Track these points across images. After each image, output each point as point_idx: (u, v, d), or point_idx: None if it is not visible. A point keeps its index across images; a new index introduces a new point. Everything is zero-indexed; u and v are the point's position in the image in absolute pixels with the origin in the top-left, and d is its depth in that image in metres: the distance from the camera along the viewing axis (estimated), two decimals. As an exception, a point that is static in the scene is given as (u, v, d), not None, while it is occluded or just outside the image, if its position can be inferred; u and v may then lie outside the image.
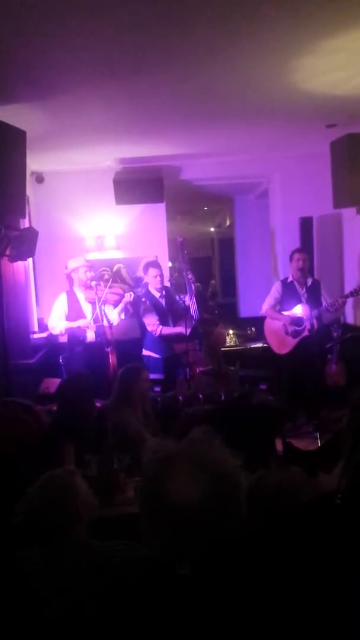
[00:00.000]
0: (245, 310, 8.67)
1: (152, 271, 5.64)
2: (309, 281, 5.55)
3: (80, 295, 5.38)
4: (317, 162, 6.12)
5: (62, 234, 6.59)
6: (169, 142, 5.71)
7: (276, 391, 5.33)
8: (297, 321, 5.43)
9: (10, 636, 1.74)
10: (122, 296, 5.47)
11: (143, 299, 5.55)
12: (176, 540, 1.24)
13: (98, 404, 3.68)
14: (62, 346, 5.96)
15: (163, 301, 5.67)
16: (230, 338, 6.86)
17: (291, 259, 5.58)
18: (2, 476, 2.66)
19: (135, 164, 6.42)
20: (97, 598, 1.68)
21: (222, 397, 4.32)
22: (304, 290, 5.49)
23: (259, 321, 6.20)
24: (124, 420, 3.52)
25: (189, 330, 5.25)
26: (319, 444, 4.77)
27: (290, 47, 3.29)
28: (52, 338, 6.07)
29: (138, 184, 6.30)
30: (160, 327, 5.49)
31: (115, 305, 5.48)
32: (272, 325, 5.67)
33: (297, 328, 5.43)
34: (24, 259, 4.76)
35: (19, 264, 5.11)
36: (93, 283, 5.30)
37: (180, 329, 5.34)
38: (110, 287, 5.50)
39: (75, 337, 5.36)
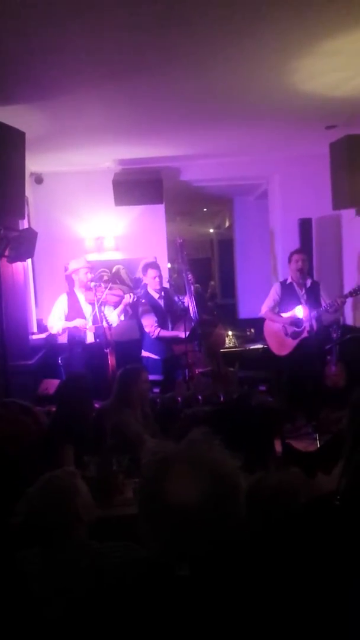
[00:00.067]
0: (244, 311, 8.67)
1: (151, 272, 5.64)
2: (308, 282, 5.55)
3: (81, 296, 5.40)
4: (317, 163, 6.12)
5: (61, 235, 6.59)
6: (169, 143, 5.71)
7: (275, 392, 5.33)
8: (296, 323, 5.42)
9: (10, 636, 1.74)
10: (122, 297, 5.47)
11: (142, 300, 5.55)
12: (175, 541, 1.23)
13: (97, 405, 3.68)
14: (61, 347, 5.96)
15: (162, 302, 5.67)
16: (230, 339, 6.85)
17: (290, 260, 5.58)
18: (1, 477, 2.66)
19: (134, 165, 6.42)
20: (97, 599, 1.68)
21: (221, 398, 4.31)
22: (303, 291, 5.49)
23: (258, 322, 6.20)
24: (123, 422, 3.51)
25: (187, 332, 5.25)
26: (318, 445, 4.77)
27: (289, 48, 3.29)
28: (51, 339, 6.07)
29: (137, 185, 6.30)
30: (158, 329, 5.50)
31: (116, 306, 5.49)
32: (272, 327, 5.67)
33: (296, 329, 5.43)
34: (23, 259, 4.75)
35: (18, 264, 5.11)
36: (92, 284, 5.31)
37: (178, 333, 5.34)
38: (110, 289, 5.50)
39: (75, 338, 5.36)
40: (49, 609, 1.77)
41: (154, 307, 5.59)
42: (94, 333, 5.32)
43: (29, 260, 5.80)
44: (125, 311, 5.54)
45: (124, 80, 3.67)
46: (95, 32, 2.87)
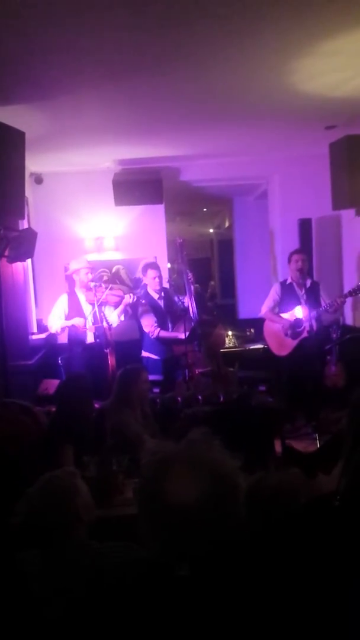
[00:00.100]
0: (244, 311, 8.67)
1: (151, 273, 5.64)
2: (308, 282, 5.55)
3: (81, 297, 5.41)
4: (316, 163, 6.12)
5: (61, 235, 6.59)
6: (168, 143, 5.71)
7: (275, 392, 5.32)
8: (296, 325, 5.42)
9: (11, 637, 1.74)
10: (122, 298, 5.48)
11: (142, 301, 5.55)
12: (175, 541, 1.23)
13: (97, 405, 3.68)
14: (61, 347, 5.96)
15: (162, 303, 5.68)
16: (230, 339, 6.85)
17: (289, 260, 5.58)
18: (1, 477, 2.66)
19: (134, 165, 6.42)
20: (97, 599, 1.68)
21: (221, 399, 4.31)
22: (303, 291, 5.49)
23: (258, 322, 6.20)
24: (123, 422, 3.51)
25: (187, 332, 5.25)
26: (318, 445, 4.77)
27: (289, 48, 3.29)
28: (51, 339, 6.07)
29: (137, 185, 6.30)
30: (158, 329, 5.50)
31: (116, 306, 5.49)
32: (272, 327, 5.67)
33: (297, 329, 5.43)
34: (22, 260, 4.75)
35: (18, 265, 5.11)
36: (92, 284, 5.32)
37: (177, 334, 5.34)
38: (110, 289, 5.50)
39: (75, 338, 5.37)
40: (49, 609, 1.77)
41: (153, 308, 5.59)
42: (94, 333, 5.33)
43: (29, 261, 5.80)
44: (125, 311, 5.54)
45: (123, 80, 3.67)
46: (95, 32, 2.87)
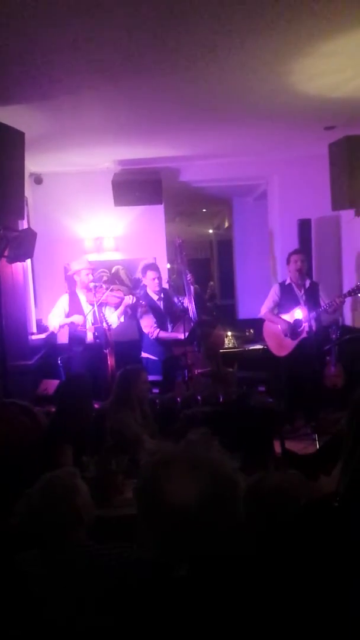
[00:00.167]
0: (243, 312, 8.67)
1: (150, 274, 5.65)
2: (307, 283, 5.55)
3: (82, 297, 5.44)
4: (316, 164, 6.12)
5: (60, 235, 6.59)
6: (168, 143, 5.71)
7: (274, 393, 5.33)
8: (295, 324, 5.42)
9: (11, 637, 1.74)
10: (123, 299, 5.49)
11: (141, 302, 5.56)
12: (174, 541, 1.23)
13: (96, 406, 3.68)
14: (61, 347, 5.96)
15: (161, 304, 5.68)
16: (229, 340, 6.85)
17: (288, 261, 5.58)
18: (0, 477, 2.66)
19: (133, 165, 6.42)
20: (96, 600, 1.68)
21: (221, 399, 4.32)
22: (302, 292, 5.49)
23: (257, 323, 6.21)
24: (122, 422, 3.52)
25: (187, 333, 5.26)
26: (317, 446, 4.77)
27: (288, 49, 3.29)
28: (50, 339, 6.07)
29: (137, 186, 6.30)
30: (157, 330, 5.50)
31: (116, 307, 5.50)
32: (271, 327, 5.67)
33: (297, 329, 5.43)
34: (22, 260, 4.76)
35: (18, 265, 5.11)
36: (92, 285, 5.33)
37: (177, 335, 5.35)
38: (111, 290, 5.52)
39: (76, 337, 5.38)
40: (49, 610, 1.77)
41: (153, 309, 5.60)
42: (94, 333, 5.33)
43: (29, 261, 5.80)
44: (124, 312, 5.55)
45: (123, 80, 3.67)
46: (95, 32, 2.87)
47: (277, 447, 4.15)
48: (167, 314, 5.66)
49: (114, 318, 5.43)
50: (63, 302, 5.42)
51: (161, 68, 3.47)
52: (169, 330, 5.59)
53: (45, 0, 2.49)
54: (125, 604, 1.32)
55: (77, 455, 2.98)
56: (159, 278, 5.68)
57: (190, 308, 5.54)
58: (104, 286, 5.53)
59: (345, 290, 5.60)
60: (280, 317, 5.55)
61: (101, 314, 5.32)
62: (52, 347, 6.08)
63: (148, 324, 5.53)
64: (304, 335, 5.36)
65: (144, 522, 1.30)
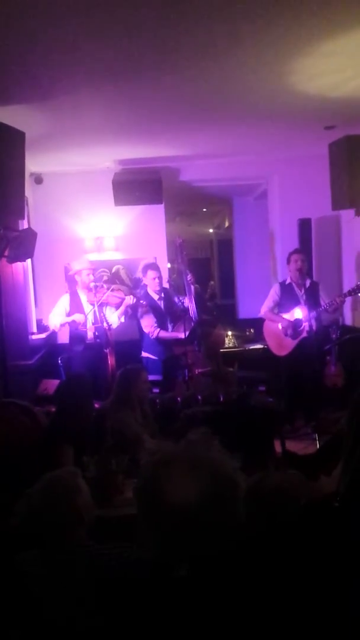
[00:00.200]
0: (244, 311, 8.67)
1: (151, 273, 5.65)
2: (307, 283, 5.55)
3: (83, 297, 5.45)
4: (316, 163, 6.12)
5: (60, 235, 6.59)
6: (168, 143, 5.71)
7: (275, 393, 5.33)
8: (295, 324, 5.42)
9: (10, 637, 1.74)
10: (124, 299, 5.49)
11: (142, 301, 5.56)
12: (174, 541, 1.23)
13: (97, 405, 3.68)
14: (61, 347, 5.96)
15: (162, 303, 5.68)
16: (229, 339, 6.85)
17: (289, 260, 5.58)
18: (0, 477, 2.66)
19: (134, 165, 6.42)
20: (96, 600, 1.68)
21: (221, 399, 4.32)
22: (303, 291, 5.49)
23: (257, 322, 6.20)
24: (122, 422, 3.51)
25: (187, 333, 5.25)
26: (318, 446, 4.77)
27: (288, 49, 3.29)
28: (50, 339, 6.07)
29: (137, 185, 6.30)
30: (158, 329, 5.50)
31: (117, 307, 5.50)
32: (271, 327, 5.67)
33: (298, 329, 5.43)
34: (22, 260, 4.76)
35: (18, 265, 5.11)
36: (92, 285, 5.34)
37: (177, 334, 5.35)
38: (112, 290, 5.52)
39: (76, 335, 5.38)
40: (49, 609, 1.77)
41: (153, 308, 5.60)
42: (94, 333, 5.33)
43: (29, 261, 5.80)
44: (125, 312, 5.55)
45: (123, 80, 3.67)
46: (96, 32, 2.87)
47: (278, 447, 4.15)
48: (168, 314, 5.66)
49: (114, 318, 5.44)
50: (64, 302, 5.44)
51: (161, 68, 3.47)
52: (169, 329, 5.59)
53: (46, 0, 2.49)
54: (125, 604, 1.32)
55: (77, 455, 2.98)
56: (160, 277, 5.69)
57: (190, 308, 5.54)
58: (104, 286, 5.54)
59: (346, 289, 5.60)
60: (281, 316, 5.55)
61: (101, 314, 5.33)
62: (52, 347, 6.08)
63: (148, 324, 5.54)
64: (304, 334, 5.36)
65: (144, 522, 1.30)
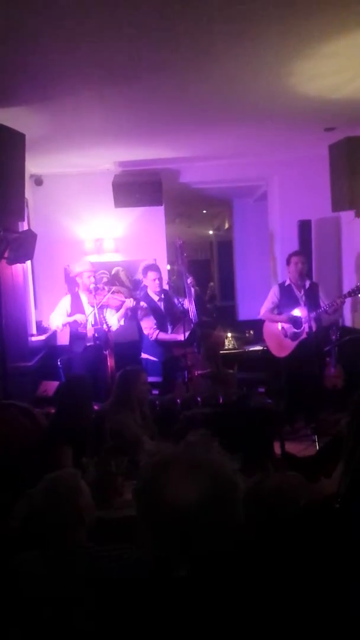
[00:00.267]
0: (243, 313, 8.68)
1: (151, 274, 5.66)
2: (307, 284, 5.55)
3: (84, 299, 5.46)
4: (316, 165, 6.13)
5: (60, 236, 6.59)
6: (168, 145, 5.72)
7: (274, 394, 5.33)
8: (294, 320, 5.41)
9: (10, 637, 1.74)
10: (124, 302, 5.50)
11: (141, 303, 5.56)
12: (173, 543, 1.23)
13: (96, 407, 3.68)
14: (61, 349, 5.96)
15: (162, 305, 5.69)
16: (229, 341, 6.86)
17: (289, 262, 5.58)
18: (0, 479, 2.66)
19: (134, 167, 6.43)
20: (95, 601, 1.68)
21: (220, 400, 4.32)
22: (302, 293, 5.49)
23: (257, 324, 6.21)
24: (122, 423, 3.51)
25: (186, 334, 5.26)
26: (317, 447, 4.76)
27: (289, 50, 3.30)
28: (50, 340, 6.07)
29: (137, 187, 6.31)
30: (157, 331, 5.50)
31: (117, 310, 5.51)
32: (271, 328, 5.67)
33: (295, 330, 5.43)
34: (22, 261, 4.76)
35: (18, 266, 5.11)
36: (92, 286, 5.35)
37: (177, 336, 5.35)
38: (113, 292, 5.54)
39: (77, 335, 5.39)
40: (48, 611, 1.77)
41: (153, 310, 5.60)
42: (94, 335, 5.34)
43: (29, 262, 5.80)
44: (125, 315, 5.56)
45: (123, 82, 3.67)
46: (96, 34, 2.87)
47: (277, 449, 4.15)
48: (167, 315, 5.66)
49: (114, 320, 5.45)
50: (65, 303, 5.47)
51: (161, 69, 3.47)
52: (169, 331, 5.59)
53: (46, 2, 2.49)
54: (125, 604, 1.32)
55: (76, 456, 2.98)
56: (160, 279, 5.69)
57: (190, 309, 5.55)
58: (105, 288, 5.56)
59: (345, 290, 5.60)
60: (280, 318, 5.56)
61: (101, 316, 5.33)
62: (51, 348, 6.08)
63: (148, 325, 5.54)
64: (304, 336, 5.36)
65: (143, 523, 1.30)
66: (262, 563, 1.49)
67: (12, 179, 3.96)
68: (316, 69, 3.61)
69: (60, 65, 3.28)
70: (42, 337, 6.00)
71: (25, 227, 5.25)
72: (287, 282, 5.63)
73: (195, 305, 5.62)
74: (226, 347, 6.58)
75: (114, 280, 6.70)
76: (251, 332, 7.02)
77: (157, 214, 6.80)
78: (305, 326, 5.33)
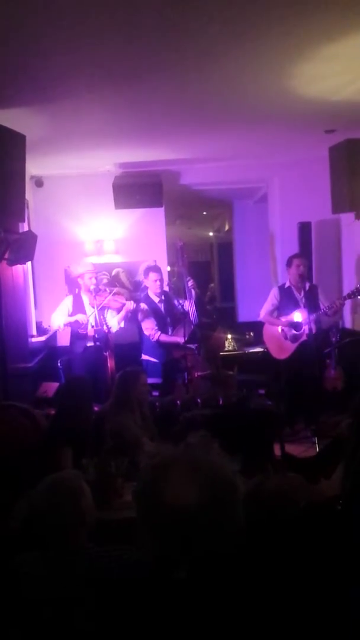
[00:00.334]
0: (243, 314, 8.67)
1: (153, 275, 5.66)
2: (307, 286, 5.55)
3: (85, 299, 5.48)
4: (316, 167, 6.13)
5: (61, 238, 6.59)
6: (169, 146, 5.72)
7: (274, 396, 5.33)
8: (294, 325, 5.42)
9: (10, 637, 1.74)
10: (124, 305, 5.50)
11: (142, 304, 5.57)
12: (173, 544, 1.23)
13: (96, 408, 3.68)
14: (61, 350, 5.96)
15: (162, 306, 5.69)
16: (229, 342, 6.85)
17: (290, 264, 5.58)
18: (0, 480, 2.66)
19: (134, 168, 6.43)
20: (95, 601, 1.68)
21: (220, 402, 4.31)
22: (302, 294, 5.49)
23: (257, 326, 6.21)
24: (122, 424, 3.52)
25: (187, 336, 5.26)
26: (317, 449, 4.76)
27: (289, 52, 3.30)
28: (50, 341, 6.07)
29: (137, 189, 6.31)
30: (159, 332, 5.51)
31: (118, 311, 5.52)
32: (271, 330, 5.67)
33: (295, 332, 5.43)
34: (22, 262, 4.76)
35: (18, 267, 5.11)
36: (92, 287, 5.36)
37: (177, 338, 5.35)
38: (114, 294, 5.55)
39: (78, 335, 5.41)
40: (48, 611, 1.77)
41: (154, 311, 5.60)
42: (94, 336, 5.35)
43: (29, 263, 5.80)
44: (125, 317, 5.56)
45: (124, 83, 3.68)
46: (96, 35, 2.87)
47: (277, 450, 4.15)
48: (168, 317, 5.67)
49: (114, 322, 5.45)
50: (67, 303, 5.51)
51: (161, 71, 3.47)
52: (169, 332, 5.59)
53: (46, 3, 2.50)
54: (125, 605, 1.32)
55: (76, 457, 2.98)
56: (161, 280, 5.70)
57: (191, 311, 5.55)
58: (107, 290, 5.57)
59: (345, 292, 5.60)
60: (280, 319, 5.56)
61: (102, 317, 5.34)
62: (52, 349, 6.09)
63: (149, 327, 5.54)
64: (304, 338, 5.36)
65: (143, 525, 1.30)
66: (262, 564, 1.49)
67: (12, 180, 3.97)
68: (316, 71, 3.62)
69: (61, 66, 3.28)
70: (42, 338, 6.00)
71: (26, 229, 5.25)
72: (287, 284, 5.63)
73: (195, 306, 5.62)
74: (226, 349, 6.58)
75: (114, 281, 6.71)
76: (251, 333, 7.02)
77: (158, 215, 6.80)
78: (305, 328, 5.33)
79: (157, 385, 5.22)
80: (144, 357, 5.64)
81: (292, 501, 1.73)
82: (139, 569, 1.36)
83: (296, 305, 5.47)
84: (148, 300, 5.66)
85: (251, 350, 6.64)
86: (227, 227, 10.61)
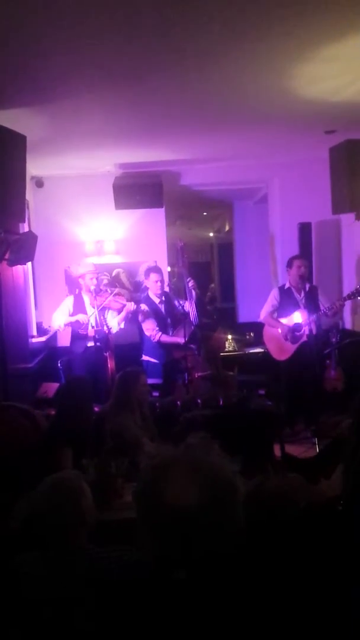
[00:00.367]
0: (244, 315, 8.68)
1: (153, 276, 5.66)
2: (307, 287, 5.55)
3: (87, 299, 5.49)
4: (316, 167, 6.14)
5: (61, 238, 6.60)
6: (169, 147, 5.72)
7: (274, 396, 5.33)
8: (295, 328, 5.42)
9: (10, 637, 1.74)
10: (125, 306, 5.50)
11: (142, 305, 5.57)
12: (173, 545, 1.23)
13: (96, 409, 3.68)
14: (61, 350, 5.96)
15: (162, 307, 5.69)
16: (229, 343, 6.85)
17: (290, 265, 5.58)
18: (0, 480, 2.66)
19: (134, 169, 6.43)
20: (95, 602, 1.68)
21: (221, 402, 4.31)
22: (302, 295, 5.49)
23: (257, 326, 6.21)
24: (122, 425, 3.51)
25: (187, 337, 5.26)
26: (317, 450, 4.76)
27: (289, 53, 3.30)
28: (50, 342, 6.07)
29: (137, 189, 6.32)
30: (159, 333, 5.51)
31: (119, 312, 5.52)
32: (271, 331, 5.67)
33: (296, 333, 5.43)
34: (23, 263, 4.76)
35: (18, 268, 5.11)
36: (92, 287, 5.37)
37: (178, 339, 5.35)
38: (114, 295, 5.55)
39: (78, 335, 5.41)
40: (48, 612, 1.77)
41: (154, 312, 5.61)
42: (94, 336, 5.35)
43: (29, 264, 5.81)
44: (125, 318, 5.56)
45: (124, 84, 3.68)
46: (96, 36, 2.88)
47: (277, 451, 4.15)
48: (168, 317, 5.67)
49: (114, 323, 5.46)
50: (68, 303, 5.52)
51: (161, 72, 3.48)
52: (170, 333, 5.59)
53: (46, 3, 2.50)
54: (125, 605, 1.32)
55: (76, 458, 2.98)
56: (162, 281, 5.70)
57: (191, 312, 5.55)
58: (108, 290, 5.58)
59: (345, 292, 5.60)
60: (280, 321, 5.56)
61: (102, 318, 5.35)
62: (52, 349, 6.09)
63: (150, 327, 5.54)
64: (304, 339, 5.36)
65: (143, 525, 1.30)
66: (263, 565, 1.49)
67: (13, 180, 3.97)
68: (317, 71, 3.62)
69: (61, 67, 3.28)
70: (43, 339, 6.00)
71: (26, 229, 5.25)
72: (287, 285, 5.63)
73: (195, 307, 5.62)
74: (226, 349, 6.58)
75: (114, 282, 6.71)
76: (251, 334, 7.02)
77: (158, 216, 6.81)
78: (306, 329, 5.33)
79: (157, 385, 5.22)
80: (145, 357, 5.64)
81: (292, 502, 1.73)
82: (139, 570, 1.36)
83: (296, 306, 5.47)
84: (148, 301, 5.66)
85: (251, 351, 6.64)
86: (227, 228, 10.61)
